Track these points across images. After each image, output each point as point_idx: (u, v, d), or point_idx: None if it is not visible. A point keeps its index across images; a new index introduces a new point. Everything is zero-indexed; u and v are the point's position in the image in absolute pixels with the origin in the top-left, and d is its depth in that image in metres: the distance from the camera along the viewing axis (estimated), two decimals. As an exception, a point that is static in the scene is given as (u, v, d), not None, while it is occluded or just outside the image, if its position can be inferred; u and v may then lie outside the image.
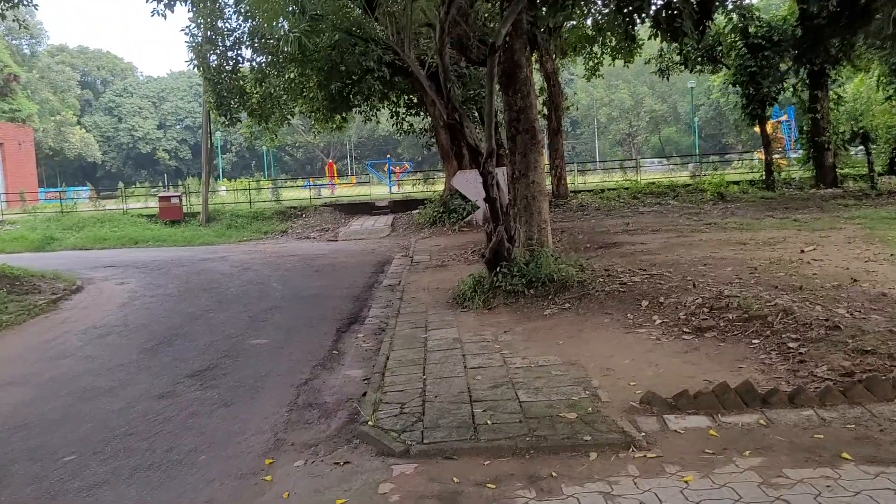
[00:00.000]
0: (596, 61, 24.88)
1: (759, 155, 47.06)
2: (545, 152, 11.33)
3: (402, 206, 26.31)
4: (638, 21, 10.80)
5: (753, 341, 6.73)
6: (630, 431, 4.89)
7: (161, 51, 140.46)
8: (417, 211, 24.36)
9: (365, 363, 7.67)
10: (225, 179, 45.90)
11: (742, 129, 78.47)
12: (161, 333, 9.64)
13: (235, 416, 6.13)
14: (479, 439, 4.94)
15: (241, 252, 19.63)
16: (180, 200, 25.51)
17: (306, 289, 12.90)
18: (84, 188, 43.64)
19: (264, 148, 75.40)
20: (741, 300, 7.66)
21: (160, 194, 27.02)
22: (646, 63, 28.54)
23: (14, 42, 64.67)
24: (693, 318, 7.54)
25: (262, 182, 34.05)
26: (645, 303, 8.38)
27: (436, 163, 42.19)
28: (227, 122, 18.86)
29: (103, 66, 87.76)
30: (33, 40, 66.60)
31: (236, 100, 18.59)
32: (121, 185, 50.66)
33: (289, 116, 24.28)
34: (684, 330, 7.32)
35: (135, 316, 11.06)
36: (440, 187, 26.42)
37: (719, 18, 22.16)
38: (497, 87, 11.07)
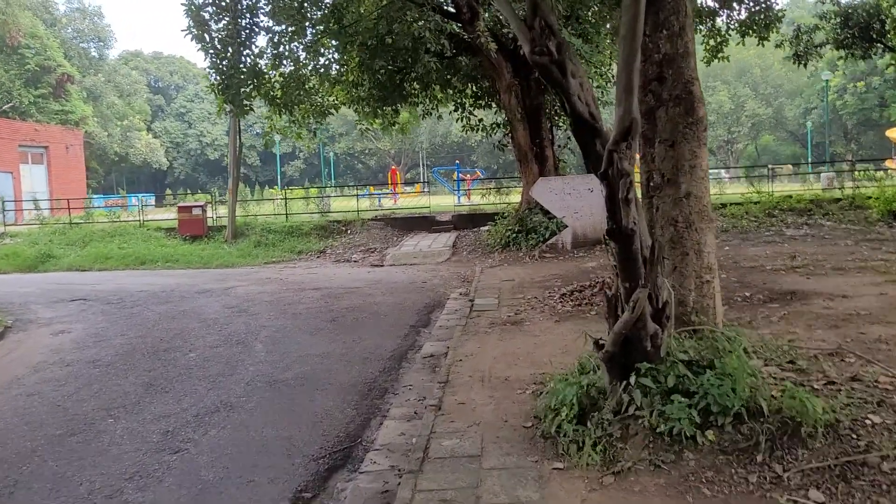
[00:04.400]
0: (720, 39, 19.27)
1: (890, 163, 39.91)
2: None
3: (467, 220, 21.40)
4: None
5: None
6: None
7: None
8: (487, 229, 19.37)
9: None
10: (276, 188, 41.88)
11: (854, 137, 70.03)
12: (-32, 480, 4.99)
13: None
14: None
15: (256, 281, 15.07)
16: (203, 212, 21.16)
17: (298, 360, 8.10)
18: (144, 194, 40.44)
19: (331, 154, 72.01)
20: None
21: (180, 204, 22.77)
22: (777, 46, 22.90)
23: (83, 46, 63.15)
24: None
25: (311, 191, 29.55)
26: None
27: (514, 171, 37.07)
28: (234, 112, 14.39)
29: (176, 72, 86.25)
30: (101, 43, 64.79)
31: (249, 83, 14.06)
32: (178, 191, 47.79)
33: (332, 111, 19.62)
34: None
35: (-10, 416, 6.50)
36: (516, 198, 21.35)
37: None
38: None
